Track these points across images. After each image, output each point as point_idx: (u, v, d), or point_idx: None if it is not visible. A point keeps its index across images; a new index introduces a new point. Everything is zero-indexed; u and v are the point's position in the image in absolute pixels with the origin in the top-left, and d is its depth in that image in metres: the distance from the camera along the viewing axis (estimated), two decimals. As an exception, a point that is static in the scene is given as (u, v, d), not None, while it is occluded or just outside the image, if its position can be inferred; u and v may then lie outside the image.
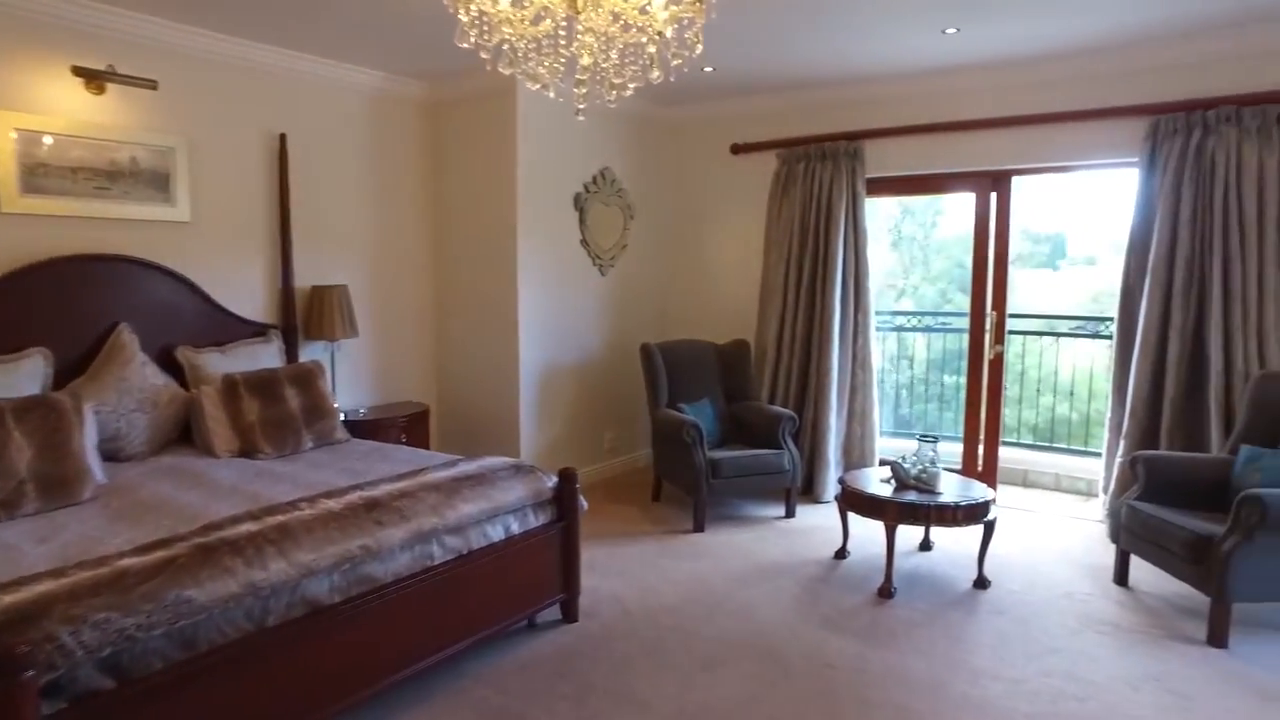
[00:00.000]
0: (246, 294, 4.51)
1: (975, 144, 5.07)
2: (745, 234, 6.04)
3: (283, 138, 4.55)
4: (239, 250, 4.49)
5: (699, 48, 2.43)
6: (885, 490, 3.99)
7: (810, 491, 5.47)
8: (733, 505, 5.30)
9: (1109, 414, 4.75)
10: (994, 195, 5.15)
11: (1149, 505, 3.79)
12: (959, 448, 5.45)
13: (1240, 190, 4.23)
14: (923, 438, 4.23)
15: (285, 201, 4.55)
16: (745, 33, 4.24)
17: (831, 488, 5.41)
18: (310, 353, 4.76)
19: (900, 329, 6.71)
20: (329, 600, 2.46)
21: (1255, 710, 2.78)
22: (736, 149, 5.98)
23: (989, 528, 3.91)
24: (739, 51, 4.61)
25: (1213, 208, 4.28)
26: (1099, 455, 5.08)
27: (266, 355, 4.30)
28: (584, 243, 5.65)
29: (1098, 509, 4.96)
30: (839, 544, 4.42)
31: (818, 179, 5.49)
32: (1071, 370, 6.10)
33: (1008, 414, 6.39)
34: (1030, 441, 6.32)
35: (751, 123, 5.91)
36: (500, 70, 2.42)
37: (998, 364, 5.18)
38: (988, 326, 5.16)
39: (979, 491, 3.96)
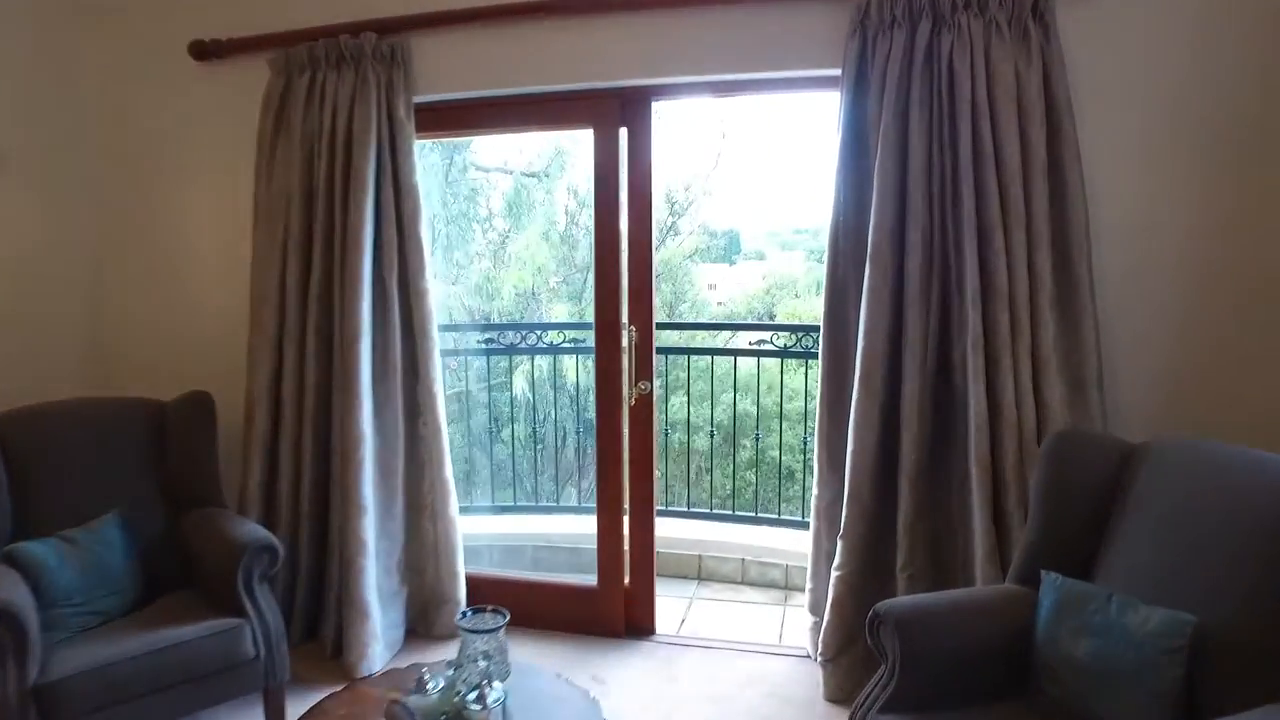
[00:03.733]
0: None
1: (591, 43, 2.98)
2: (229, 201, 3.45)
3: None
4: None
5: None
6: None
7: (340, 655, 3.06)
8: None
9: (815, 487, 2.89)
10: (624, 134, 3.09)
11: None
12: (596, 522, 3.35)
13: (996, 119, 2.51)
14: (476, 613, 2.01)
15: None
16: None
17: (379, 653, 3.06)
18: None
19: (554, 350, 4.54)
20: None
21: None
22: (202, 50, 3.35)
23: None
24: None
25: (958, 150, 2.53)
26: (807, 525, 3.24)
27: None
28: None
29: (806, 630, 3.08)
30: None
31: (331, 102, 3.08)
32: (766, 391, 4.37)
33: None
34: (710, 510, 4.46)
35: (227, 4, 3.35)
36: None
37: (645, 407, 3.14)
38: (625, 345, 3.09)
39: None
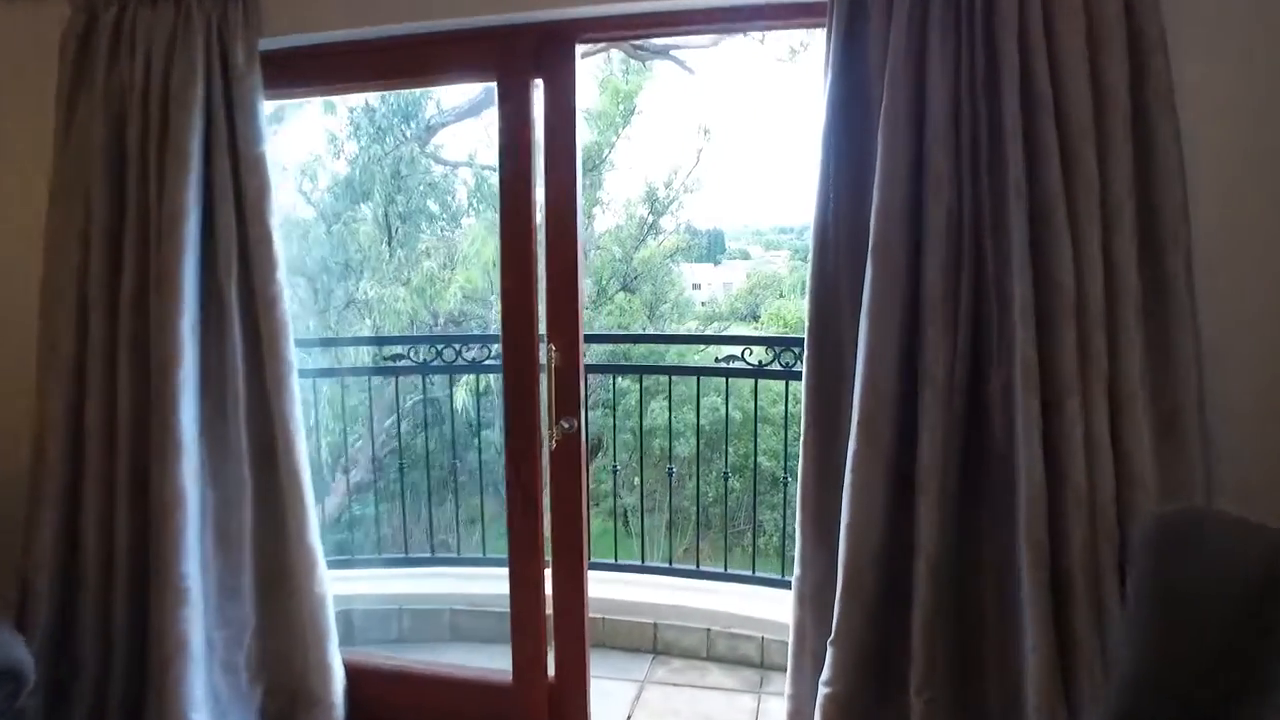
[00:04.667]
0: None
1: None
2: (21, 171, 2.63)
3: None
4: None
5: None
6: None
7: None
8: None
9: (797, 564, 2.10)
10: (539, 87, 2.28)
11: None
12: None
13: (1055, 53, 1.73)
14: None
15: None
16: None
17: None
18: None
19: (476, 368, 3.71)
20: None
21: None
22: (-9, -20, 2.55)
23: None
24: None
25: (999, 95, 1.74)
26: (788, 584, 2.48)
27: None
28: None
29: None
30: None
31: (144, 47, 2.29)
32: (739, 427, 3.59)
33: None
34: (670, 563, 3.67)
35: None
36: None
37: (571, 451, 2.34)
38: (544, 362, 2.30)
39: None
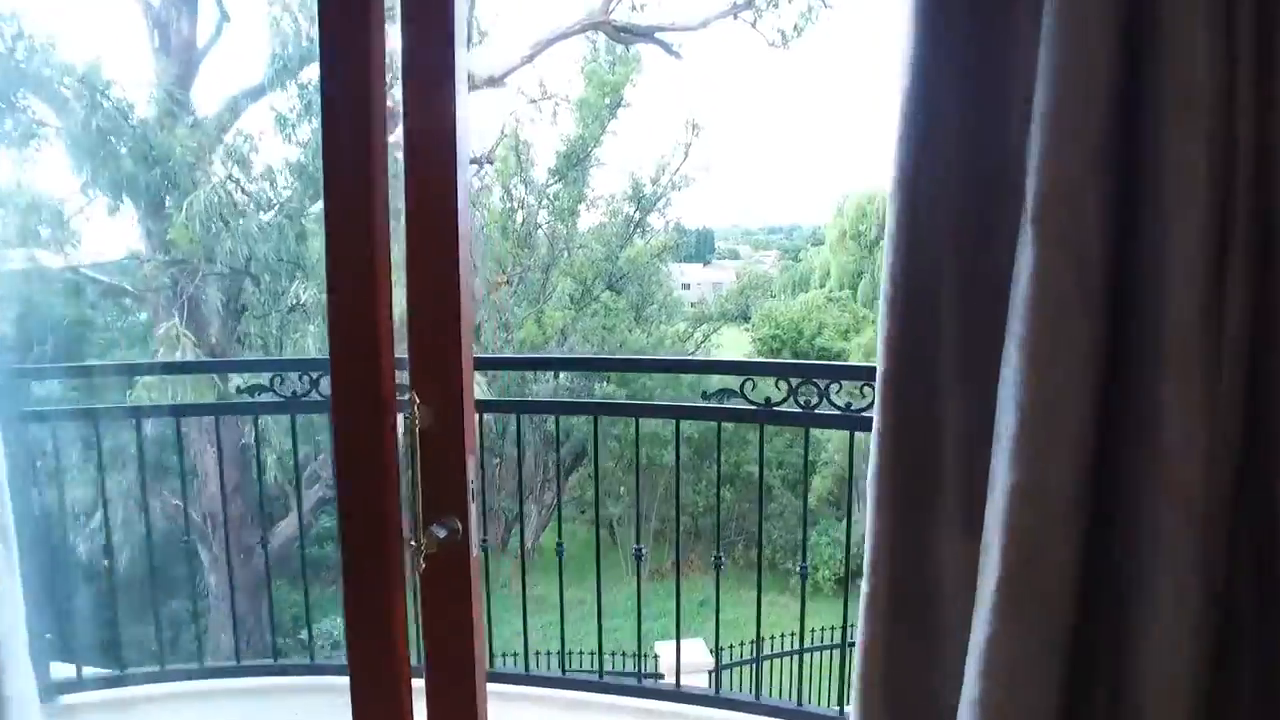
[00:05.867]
0: None
1: None
2: None
3: None
4: None
5: None
6: None
7: None
8: None
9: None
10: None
11: None
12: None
13: None
14: None
15: None
16: None
17: None
18: None
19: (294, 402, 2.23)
20: None
21: None
22: None
23: None
24: None
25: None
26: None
27: None
28: None
29: None
30: None
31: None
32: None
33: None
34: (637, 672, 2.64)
35: None
36: None
37: (453, 567, 1.34)
38: (406, 426, 1.27)
39: None
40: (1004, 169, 0.94)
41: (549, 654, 2.89)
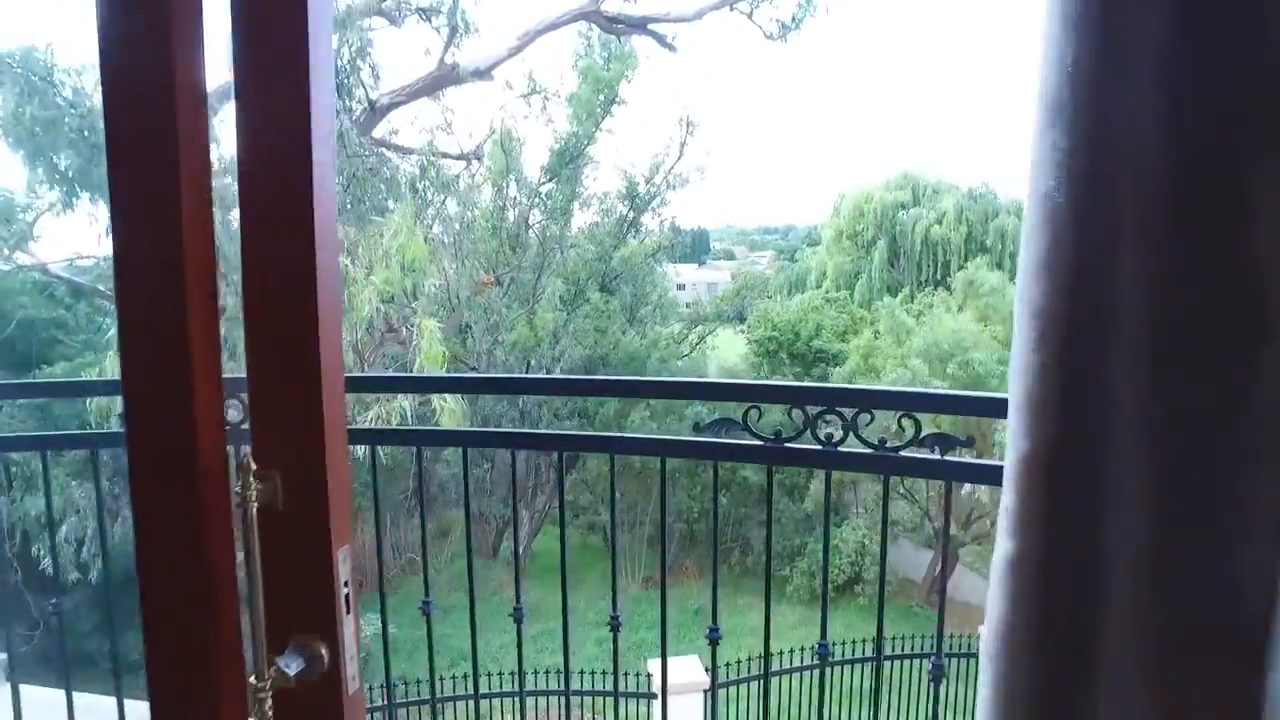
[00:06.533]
0: None
1: None
2: None
3: None
4: None
5: None
6: None
7: None
8: None
9: None
10: None
11: None
12: None
13: None
14: None
15: None
16: None
17: None
18: None
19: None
20: None
21: None
22: None
23: None
24: None
25: None
26: None
27: None
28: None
29: None
30: None
31: None
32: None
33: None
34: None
35: None
36: None
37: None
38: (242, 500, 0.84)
39: None
40: (1198, 142, 0.52)
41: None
